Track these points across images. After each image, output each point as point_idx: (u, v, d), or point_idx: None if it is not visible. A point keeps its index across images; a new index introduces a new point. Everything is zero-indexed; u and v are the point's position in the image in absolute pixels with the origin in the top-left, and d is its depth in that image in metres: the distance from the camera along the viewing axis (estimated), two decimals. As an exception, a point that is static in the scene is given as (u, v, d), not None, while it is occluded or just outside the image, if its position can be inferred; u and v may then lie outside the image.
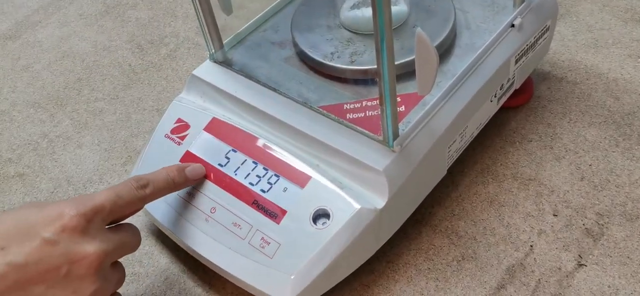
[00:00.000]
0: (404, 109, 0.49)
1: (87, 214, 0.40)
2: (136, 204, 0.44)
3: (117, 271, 0.43)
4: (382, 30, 0.40)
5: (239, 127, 0.52)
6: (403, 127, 0.47)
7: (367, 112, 0.49)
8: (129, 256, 0.54)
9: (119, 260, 0.44)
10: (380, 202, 0.46)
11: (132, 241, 0.44)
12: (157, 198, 0.46)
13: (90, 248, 0.39)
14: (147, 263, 0.53)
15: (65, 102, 0.72)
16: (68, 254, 0.39)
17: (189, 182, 0.49)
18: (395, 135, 0.46)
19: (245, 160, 0.50)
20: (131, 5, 0.85)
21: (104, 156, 0.64)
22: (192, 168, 0.49)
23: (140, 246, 0.54)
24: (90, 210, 0.40)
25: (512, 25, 0.54)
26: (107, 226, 0.42)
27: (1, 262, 0.37)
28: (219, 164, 0.51)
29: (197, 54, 0.75)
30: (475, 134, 0.54)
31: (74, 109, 0.70)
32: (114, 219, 0.43)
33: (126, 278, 0.52)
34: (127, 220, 0.45)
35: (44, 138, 0.68)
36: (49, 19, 0.85)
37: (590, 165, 0.55)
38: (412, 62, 0.43)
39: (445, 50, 0.53)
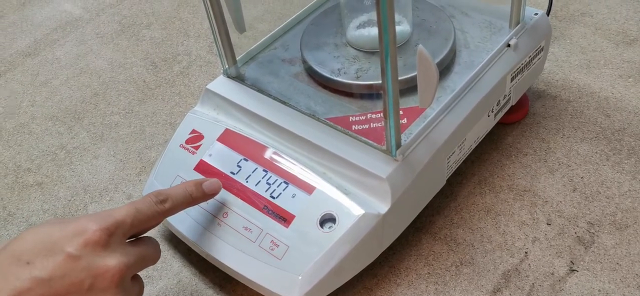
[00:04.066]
0: (406, 121, 0.52)
1: (108, 228, 0.41)
2: (156, 218, 0.45)
3: (137, 284, 0.44)
4: (387, 47, 0.43)
5: (250, 137, 0.55)
6: (405, 137, 0.50)
7: (371, 123, 0.52)
8: (144, 260, 0.57)
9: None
10: (383, 208, 0.49)
11: (153, 254, 0.45)
12: (176, 212, 0.48)
13: (112, 261, 0.40)
14: (160, 266, 0.56)
15: (82, 116, 0.75)
16: (91, 268, 0.40)
17: (207, 196, 0.50)
18: (398, 145, 0.49)
19: (256, 168, 0.53)
20: (146, 25, 0.89)
21: (119, 166, 0.67)
22: (210, 183, 0.50)
23: (155, 250, 0.57)
24: (112, 224, 0.41)
25: (508, 45, 0.57)
26: (127, 240, 0.44)
27: (27, 277, 0.38)
28: (231, 172, 0.54)
29: (208, 71, 0.79)
30: (473, 147, 0.57)
31: (90, 122, 0.74)
32: (134, 233, 0.44)
33: (141, 280, 0.55)
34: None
35: (61, 149, 0.71)
36: (67, 37, 0.89)
37: (582, 178, 0.58)
38: (414, 78, 0.47)
39: (445, 67, 0.56)
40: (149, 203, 0.45)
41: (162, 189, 0.47)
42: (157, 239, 0.58)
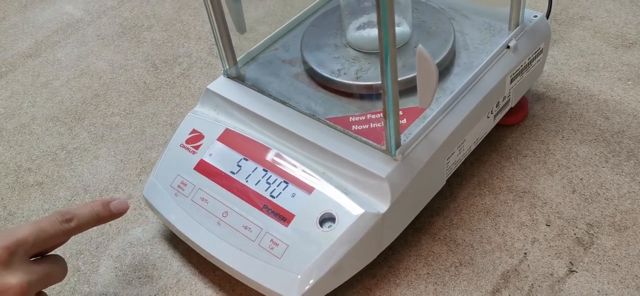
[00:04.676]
0: (405, 122, 0.52)
1: (9, 247, 0.41)
2: (60, 237, 0.46)
3: None
4: (387, 48, 0.43)
5: (250, 137, 0.55)
6: (405, 137, 0.50)
7: (371, 124, 0.52)
8: (143, 259, 0.57)
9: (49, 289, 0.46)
10: (382, 207, 0.49)
11: (57, 271, 0.45)
12: (81, 231, 0.47)
13: (13, 279, 0.41)
14: (160, 266, 0.56)
15: (82, 117, 0.75)
16: None
17: (114, 215, 0.50)
18: (398, 144, 0.49)
19: (256, 167, 0.53)
20: (147, 27, 0.89)
21: (119, 167, 0.67)
22: (118, 203, 0.50)
23: (154, 250, 0.58)
24: (13, 243, 0.42)
25: (508, 47, 0.57)
26: (32, 259, 0.44)
27: None
28: (231, 171, 0.54)
29: (209, 73, 0.79)
30: (472, 148, 0.58)
31: (91, 123, 0.74)
32: (38, 251, 0.45)
33: (140, 279, 0.55)
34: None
35: (62, 149, 0.71)
36: (68, 39, 0.89)
37: (581, 179, 0.58)
38: (413, 79, 0.47)
39: (444, 69, 0.56)
40: (53, 222, 0.45)
41: (68, 208, 0.48)
42: (156, 238, 0.59)
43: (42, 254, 0.46)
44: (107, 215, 0.49)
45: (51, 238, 0.45)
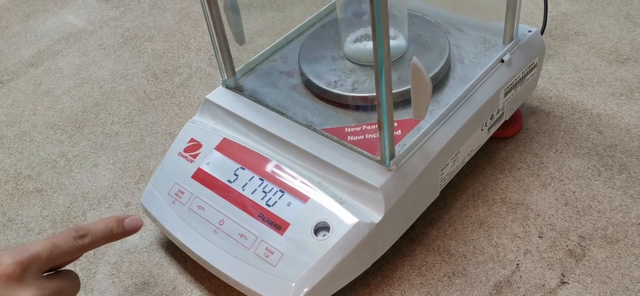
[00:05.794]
0: (400, 133, 0.53)
1: (23, 262, 0.42)
2: (74, 253, 0.46)
3: None
4: (381, 61, 0.44)
5: (247, 147, 0.56)
6: (399, 149, 0.51)
7: (366, 135, 0.53)
8: (140, 266, 0.57)
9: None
10: (376, 217, 0.49)
11: (70, 287, 0.46)
12: (95, 247, 0.48)
13: (26, 295, 0.41)
14: (156, 273, 0.57)
15: (83, 125, 0.76)
16: None
17: (128, 232, 0.50)
18: (392, 155, 0.50)
19: (253, 177, 0.54)
20: (147, 38, 0.91)
21: (118, 175, 0.68)
22: (131, 220, 0.50)
23: (151, 257, 0.58)
24: (26, 258, 0.42)
25: (502, 61, 0.58)
26: (45, 274, 0.44)
27: None
28: (228, 180, 0.54)
29: (208, 83, 0.80)
30: (467, 160, 0.58)
31: (91, 131, 0.75)
32: (52, 267, 0.45)
33: (137, 286, 0.56)
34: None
35: (62, 157, 0.72)
36: (70, 48, 0.91)
37: (574, 192, 0.59)
38: (408, 91, 0.47)
39: (439, 82, 0.57)
40: (67, 238, 0.45)
41: (82, 224, 0.48)
42: (153, 245, 0.59)
43: (55, 269, 0.46)
44: (121, 231, 0.49)
45: (65, 254, 0.45)
